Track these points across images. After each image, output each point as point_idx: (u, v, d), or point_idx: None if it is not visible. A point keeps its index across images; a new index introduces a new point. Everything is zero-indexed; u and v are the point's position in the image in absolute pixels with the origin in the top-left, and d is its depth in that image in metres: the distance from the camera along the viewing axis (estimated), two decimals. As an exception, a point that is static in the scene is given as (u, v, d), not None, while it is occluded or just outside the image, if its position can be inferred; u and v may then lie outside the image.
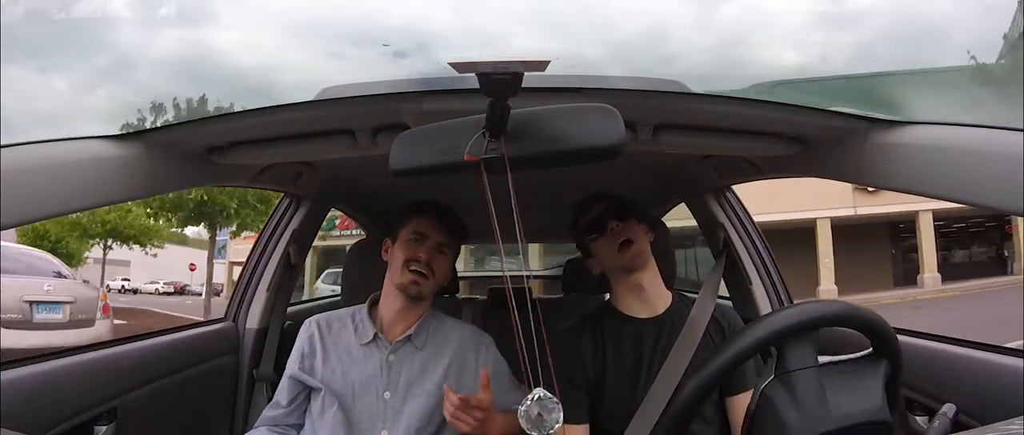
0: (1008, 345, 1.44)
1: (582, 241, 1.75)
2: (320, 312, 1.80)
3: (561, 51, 0.80)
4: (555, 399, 1.07)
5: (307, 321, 1.77)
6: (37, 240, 19.22)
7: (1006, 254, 22.65)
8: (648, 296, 1.66)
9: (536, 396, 1.06)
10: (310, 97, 1.33)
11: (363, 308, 1.74)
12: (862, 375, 1.01)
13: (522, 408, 1.07)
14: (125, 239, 23.07)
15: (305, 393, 1.68)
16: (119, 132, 1.30)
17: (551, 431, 1.06)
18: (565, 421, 1.56)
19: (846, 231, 20.50)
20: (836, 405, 0.95)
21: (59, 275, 8.56)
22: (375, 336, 1.68)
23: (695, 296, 1.76)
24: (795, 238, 17.62)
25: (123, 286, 39.26)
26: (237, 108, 1.38)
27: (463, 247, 1.91)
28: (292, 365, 1.69)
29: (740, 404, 1.56)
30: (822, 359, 1.01)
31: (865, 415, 0.95)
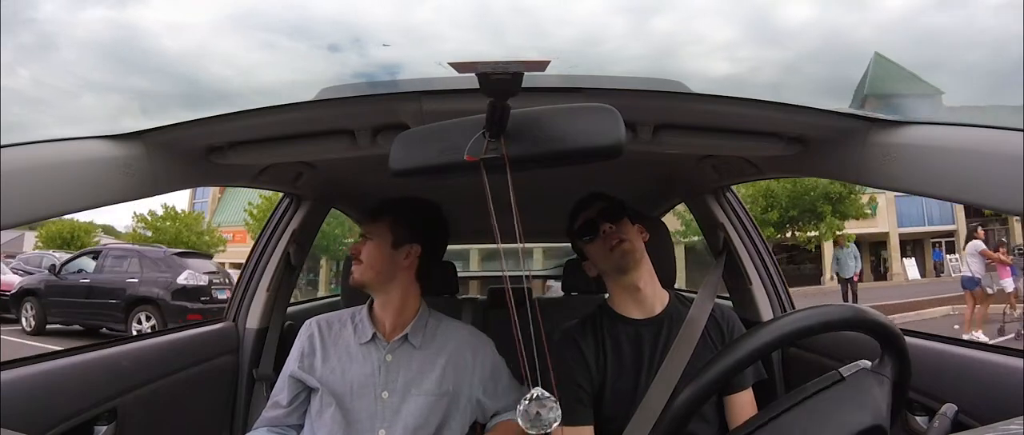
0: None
1: (576, 244, 1.76)
2: (320, 312, 1.80)
3: (496, 54, 0.80)
4: (553, 398, 1.07)
5: (308, 321, 1.77)
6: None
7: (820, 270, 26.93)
8: (644, 297, 1.65)
9: (534, 395, 1.06)
10: (237, 86, 1.34)
11: (363, 309, 1.75)
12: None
13: (520, 407, 1.07)
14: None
15: (305, 393, 1.69)
16: (120, 132, 1.29)
17: (549, 430, 1.06)
18: (573, 423, 1.56)
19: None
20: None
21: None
22: (373, 336, 1.68)
23: (693, 295, 1.75)
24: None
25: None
26: (168, 93, 1.38)
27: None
28: (292, 364, 1.70)
29: (739, 403, 1.56)
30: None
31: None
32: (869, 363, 1.04)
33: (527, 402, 1.05)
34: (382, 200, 1.76)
